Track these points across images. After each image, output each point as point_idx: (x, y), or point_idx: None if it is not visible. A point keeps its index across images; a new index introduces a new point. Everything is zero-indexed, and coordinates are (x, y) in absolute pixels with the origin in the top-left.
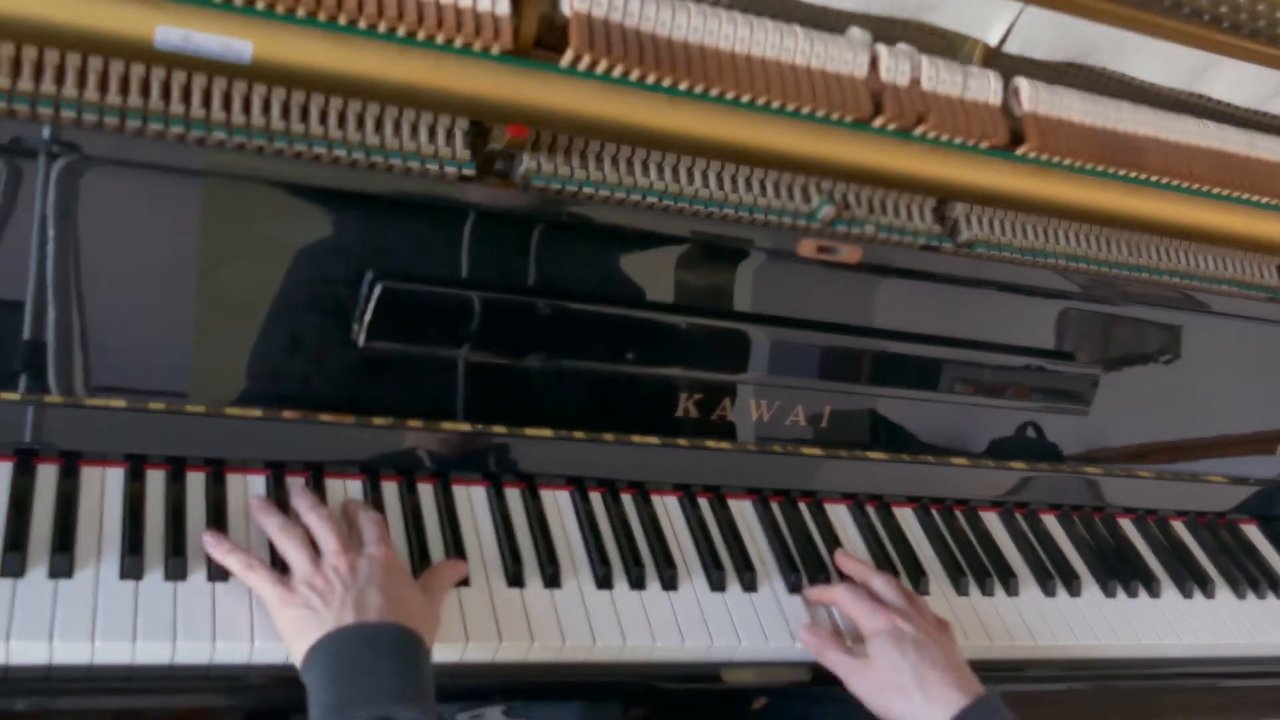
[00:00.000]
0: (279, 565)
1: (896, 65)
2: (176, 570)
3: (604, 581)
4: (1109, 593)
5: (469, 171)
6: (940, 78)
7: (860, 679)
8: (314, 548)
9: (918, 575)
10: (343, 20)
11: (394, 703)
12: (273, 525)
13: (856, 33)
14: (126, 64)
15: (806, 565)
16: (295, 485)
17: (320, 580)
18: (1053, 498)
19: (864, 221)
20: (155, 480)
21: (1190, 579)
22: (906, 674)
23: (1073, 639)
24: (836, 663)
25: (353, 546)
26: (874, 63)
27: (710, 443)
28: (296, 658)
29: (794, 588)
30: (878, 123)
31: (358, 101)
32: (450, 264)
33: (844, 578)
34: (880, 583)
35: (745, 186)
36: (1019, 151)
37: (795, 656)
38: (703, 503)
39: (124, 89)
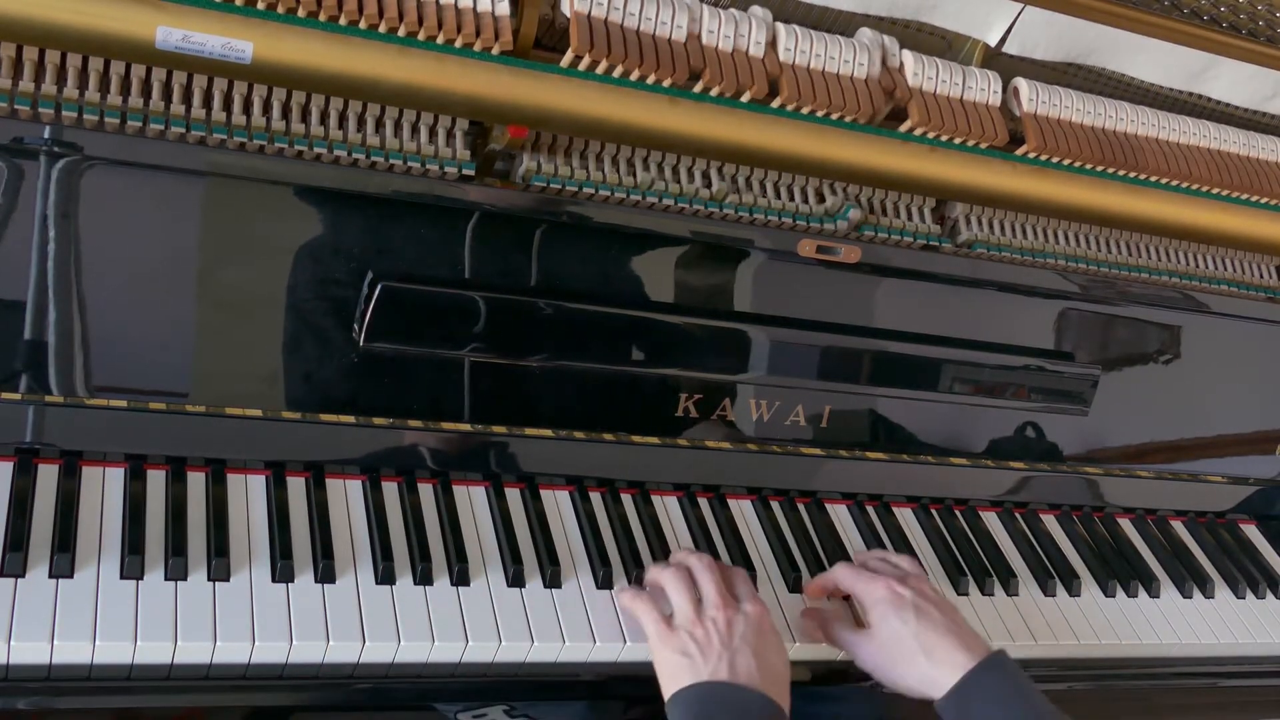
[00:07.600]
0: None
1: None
2: (177, 570)
3: (604, 581)
4: (1108, 592)
5: (469, 171)
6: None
7: (866, 651)
8: (696, 594)
9: None
10: (343, 21)
11: None
12: (657, 568)
13: (867, 33)
14: (127, 64)
15: (807, 565)
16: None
17: (700, 630)
18: (1052, 497)
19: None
20: (156, 480)
21: (1189, 579)
22: (909, 640)
23: (1072, 639)
24: (841, 638)
25: (731, 600)
26: (884, 61)
27: (710, 443)
28: (665, 693)
29: (794, 587)
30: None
31: (358, 102)
32: (450, 264)
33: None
34: (875, 557)
35: (745, 186)
36: (1019, 152)
37: (794, 655)
38: (703, 503)
39: (124, 89)
